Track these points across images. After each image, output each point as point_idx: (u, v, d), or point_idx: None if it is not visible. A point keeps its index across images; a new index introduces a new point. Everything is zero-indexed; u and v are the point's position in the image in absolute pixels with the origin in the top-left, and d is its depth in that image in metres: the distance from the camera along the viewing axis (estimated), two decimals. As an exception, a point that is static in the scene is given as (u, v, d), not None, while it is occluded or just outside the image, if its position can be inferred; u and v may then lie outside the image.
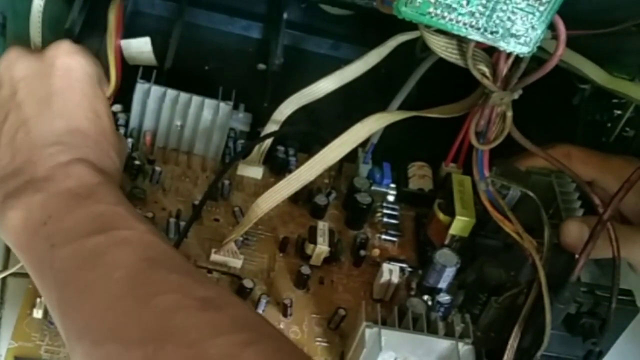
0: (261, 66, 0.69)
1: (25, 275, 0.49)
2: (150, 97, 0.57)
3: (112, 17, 0.54)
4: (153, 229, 0.42)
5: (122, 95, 0.58)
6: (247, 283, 0.51)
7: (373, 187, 0.60)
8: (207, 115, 0.58)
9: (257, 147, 0.59)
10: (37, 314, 0.47)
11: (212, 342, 0.34)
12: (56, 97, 0.46)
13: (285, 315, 0.52)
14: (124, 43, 0.64)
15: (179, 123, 0.58)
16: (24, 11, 0.59)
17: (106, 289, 0.38)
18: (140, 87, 0.57)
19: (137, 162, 0.56)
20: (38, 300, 0.47)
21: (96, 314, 0.37)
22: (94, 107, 0.47)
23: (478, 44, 0.43)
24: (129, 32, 0.65)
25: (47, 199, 0.41)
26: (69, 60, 0.47)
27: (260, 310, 0.51)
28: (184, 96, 0.57)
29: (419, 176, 0.61)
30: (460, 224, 0.54)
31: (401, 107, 0.58)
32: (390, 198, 0.61)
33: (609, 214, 0.43)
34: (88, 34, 0.56)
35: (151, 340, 0.35)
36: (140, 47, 0.64)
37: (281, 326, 0.51)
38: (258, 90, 0.63)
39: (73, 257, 0.39)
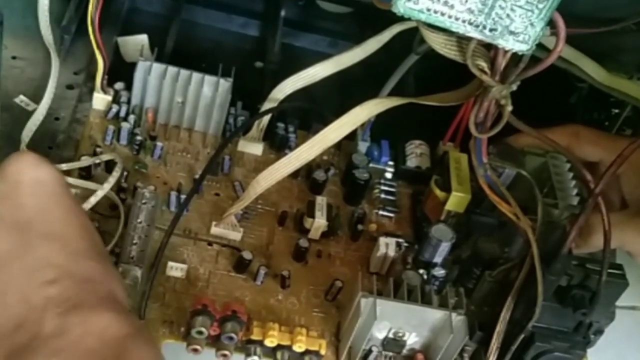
0: (258, 64, 0.69)
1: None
2: (151, 74, 0.57)
3: None
4: None
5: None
6: (247, 255, 0.52)
7: (371, 164, 0.60)
8: (207, 92, 0.58)
9: (256, 123, 0.60)
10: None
11: None
12: (35, 220, 0.36)
13: (283, 286, 0.53)
14: (121, 40, 0.64)
15: (180, 100, 0.59)
16: (21, 9, 0.59)
17: None
18: (142, 64, 0.57)
19: (139, 138, 0.57)
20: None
21: None
22: (83, 222, 0.38)
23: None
24: (127, 29, 0.65)
25: None
26: (36, 173, 0.38)
27: (258, 282, 0.52)
28: (184, 73, 0.58)
29: (417, 154, 0.62)
30: (456, 200, 0.55)
31: (401, 89, 0.59)
32: (388, 175, 0.61)
33: (601, 188, 0.43)
34: (85, 32, 0.56)
35: None
36: (137, 44, 0.64)
37: (279, 297, 0.52)
38: (255, 88, 0.63)
39: None
